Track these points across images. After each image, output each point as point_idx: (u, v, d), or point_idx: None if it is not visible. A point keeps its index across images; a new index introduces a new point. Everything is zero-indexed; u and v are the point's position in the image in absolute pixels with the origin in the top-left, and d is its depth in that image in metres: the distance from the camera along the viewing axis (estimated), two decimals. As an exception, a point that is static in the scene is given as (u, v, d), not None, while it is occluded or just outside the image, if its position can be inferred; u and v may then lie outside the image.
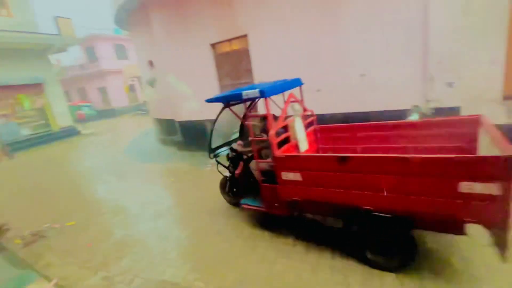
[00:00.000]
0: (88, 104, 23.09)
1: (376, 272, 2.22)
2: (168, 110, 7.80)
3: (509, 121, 3.55)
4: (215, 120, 3.31)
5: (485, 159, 1.65)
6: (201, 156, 6.67)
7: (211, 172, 5.45)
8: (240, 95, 2.65)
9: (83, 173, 6.93)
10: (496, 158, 1.57)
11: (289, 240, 2.80)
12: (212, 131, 3.34)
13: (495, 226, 1.71)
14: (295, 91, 3.08)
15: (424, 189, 1.83)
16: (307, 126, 3.30)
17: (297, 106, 3.07)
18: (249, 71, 5.67)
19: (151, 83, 8.38)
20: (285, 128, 2.97)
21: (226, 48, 5.96)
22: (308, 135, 3.16)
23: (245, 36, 5.45)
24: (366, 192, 2.06)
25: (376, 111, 4.41)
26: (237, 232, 3.12)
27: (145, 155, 7.85)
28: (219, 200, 3.97)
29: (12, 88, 11.71)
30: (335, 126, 3.37)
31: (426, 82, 3.91)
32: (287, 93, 2.94)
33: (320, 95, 4.86)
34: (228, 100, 2.95)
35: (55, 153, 10.35)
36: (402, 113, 4.20)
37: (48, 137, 12.44)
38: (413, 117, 4.10)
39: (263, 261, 2.56)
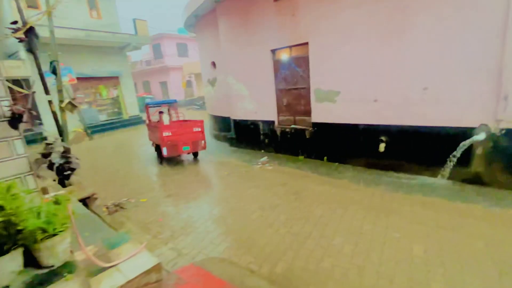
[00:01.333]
0: (150, 96, 25.54)
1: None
2: (224, 108, 8.43)
3: None
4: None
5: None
6: (251, 154, 7.12)
7: (261, 170, 5.84)
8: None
9: (149, 158, 7.91)
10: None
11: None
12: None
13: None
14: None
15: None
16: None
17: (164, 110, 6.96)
18: (306, 78, 5.89)
19: (212, 82, 9.10)
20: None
21: (286, 54, 6.25)
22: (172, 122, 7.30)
23: (306, 44, 5.68)
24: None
25: (437, 127, 4.28)
26: (287, 228, 3.41)
27: (200, 148, 8.59)
28: (271, 194, 4.30)
29: (95, 79, 13.72)
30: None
31: (498, 100, 3.70)
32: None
33: (377, 105, 4.87)
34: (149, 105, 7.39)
35: (125, 138, 11.86)
36: (466, 131, 4.03)
37: (119, 124, 14.26)
38: (480, 137, 3.91)
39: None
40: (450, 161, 4.25)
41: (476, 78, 3.84)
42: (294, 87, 6.24)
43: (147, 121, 7.93)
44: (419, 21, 4.17)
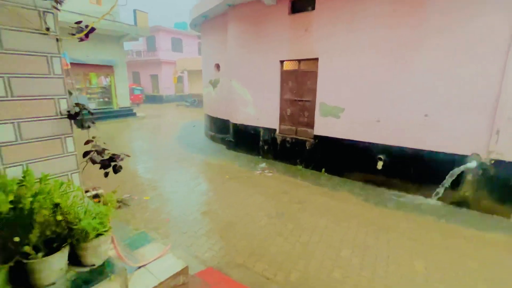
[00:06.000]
0: (140, 88, 24.95)
1: None
2: (224, 110, 8.50)
3: None
4: None
5: None
6: (249, 159, 7.24)
7: (261, 176, 5.98)
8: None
9: (143, 154, 7.80)
10: None
11: (344, 254, 3.20)
12: None
13: None
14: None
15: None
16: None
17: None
18: (312, 91, 6.12)
19: (214, 83, 9.14)
20: None
21: (294, 66, 6.47)
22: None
23: (316, 59, 5.92)
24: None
25: (432, 151, 4.64)
26: (296, 237, 3.57)
27: (195, 147, 8.59)
28: (275, 202, 4.46)
29: (88, 66, 13.26)
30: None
31: (491, 134, 4.10)
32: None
33: (379, 126, 5.18)
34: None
35: (115, 130, 11.55)
36: (460, 158, 4.41)
37: (109, 114, 13.85)
38: (471, 165, 4.29)
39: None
40: (442, 185, 4.62)
41: (472, 112, 4.23)
42: (299, 99, 6.46)
43: None
44: (424, 54, 4.52)
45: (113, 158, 2.05)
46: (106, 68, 13.91)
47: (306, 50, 6.04)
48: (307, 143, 6.36)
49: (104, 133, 10.83)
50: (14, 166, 1.66)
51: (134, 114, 15.02)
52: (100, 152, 1.94)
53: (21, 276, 1.64)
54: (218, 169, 6.54)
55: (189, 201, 4.72)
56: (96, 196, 2.79)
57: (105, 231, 1.93)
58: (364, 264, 3.06)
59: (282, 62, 6.63)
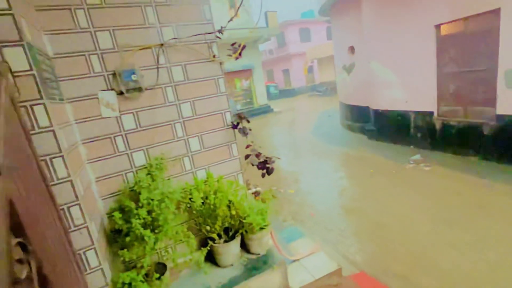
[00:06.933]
0: (274, 84, 27.05)
1: None
2: (362, 96, 7.77)
3: None
4: None
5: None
6: (397, 150, 6.29)
7: (415, 171, 5.04)
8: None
9: (283, 147, 8.38)
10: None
11: None
12: None
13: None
14: None
15: None
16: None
17: None
18: (491, 57, 4.52)
19: (348, 69, 8.55)
20: None
21: (457, 28, 4.99)
22: None
23: (494, 11, 4.31)
24: None
25: None
26: (477, 252, 2.77)
27: (333, 138, 8.35)
28: (441, 204, 3.64)
29: (233, 73, 15.63)
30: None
31: None
32: None
33: None
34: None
35: (258, 126, 13.07)
36: None
37: (251, 112, 15.84)
38: None
39: None
40: None
41: None
42: (468, 69, 4.94)
43: None
44: None
45: (267, 160, 2.24)
46: (246, 72, 15.89)
47: (476, 3, 4.50)
48: (484, 126, 4.79)
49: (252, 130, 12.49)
50: (200, 169, 2.11)
51: (272, 110, 16.46)
52: (257, 155, 2.16)
53: (211, 256, 2.10)
54: (359, 162, 6.07)
55: (331, 195, 4.64)
56: (256, 193, 3.18)
57: (265, 225, 2.16)
58: None
59: (438, 26, 5.26)
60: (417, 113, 5.98)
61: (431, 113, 5.69)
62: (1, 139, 0.79)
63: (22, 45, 1.13)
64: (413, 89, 5.98)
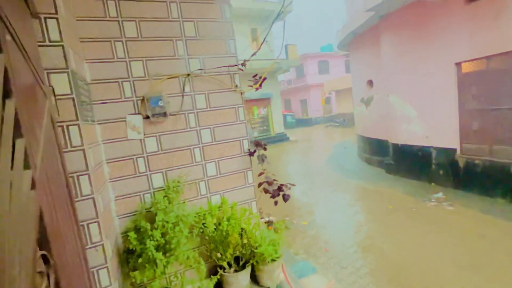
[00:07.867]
0: (291, 113, 27.41)
1: None
2: (381, 130, 7.68)
3: None
4: None
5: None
6: (417, 186, 6.04)
7: (437, 209, 4.78)
8: None
9: (298, 176, 8.26)
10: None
11: None
12: None
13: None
14: None
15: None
16: None
17: None
18: (517, 95, 4.42)
19: (367, 101, 8.58)
20: None
21: (479, 66, 4.97)
22: None
23: (518, 50, 4.29)
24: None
25: None
26: None
27: (350, 171, 8.18)
28: (465, 247, 3.37)
29: (252, 101, 16.07)
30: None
31: None
32: None
33: None
34: None
35: (273, 154, 13.08)
36: None
37: (267, 140, 15.95)
38: None
39: None
40: None
41: None
42: (493, 107, 4.82)
43: None
44: None
45: (281, 188, 2.23)
46: (265, 100, 16.30)
47: (499, 43, 4.51)
48: (512, 167, 4.56)
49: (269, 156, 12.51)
50: (214, 195, 2.13)
51: (288, 139, 16.53)
52: (271, 183, 2.16)
53: (219, 286, 2.03)
54: (377, 197, 5.85)
55: (347, 231, 4.45)
56: (268, 222, 3.13)
57: (277, 257, 2.10)
58: None
59: (458, 64, 5.27)
60: (439, 149, 5.80)
61: (454, 150, 5.50)
62: (40, 155, 0.87)
63: (67, 72, 1.26)
64: (433, 125, 5.87)
